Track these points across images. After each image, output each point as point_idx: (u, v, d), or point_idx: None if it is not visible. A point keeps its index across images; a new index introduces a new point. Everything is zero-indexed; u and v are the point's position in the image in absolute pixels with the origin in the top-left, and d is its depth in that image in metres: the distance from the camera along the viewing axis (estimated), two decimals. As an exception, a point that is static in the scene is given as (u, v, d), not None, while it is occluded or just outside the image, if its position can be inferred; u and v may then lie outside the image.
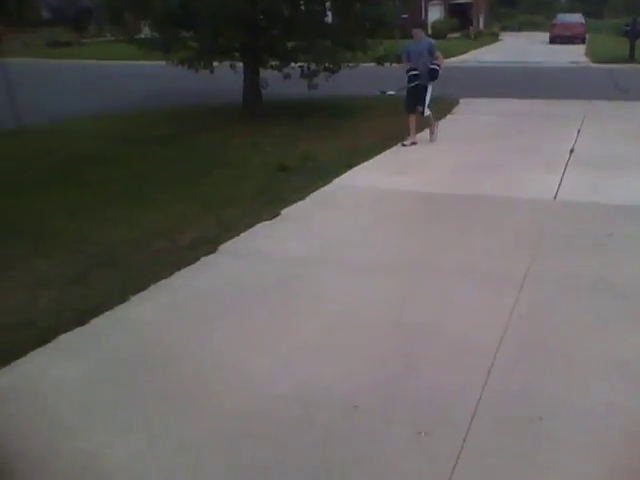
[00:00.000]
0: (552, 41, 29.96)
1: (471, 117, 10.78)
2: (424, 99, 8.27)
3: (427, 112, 8.41)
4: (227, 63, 11.01)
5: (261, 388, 2.98)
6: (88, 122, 10.89)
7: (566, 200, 5.87)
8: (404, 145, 8.33)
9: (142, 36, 11.41)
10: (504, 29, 41.41)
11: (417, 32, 8.56)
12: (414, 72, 8.29)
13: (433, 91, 8.47)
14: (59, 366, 3.26)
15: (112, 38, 17.31)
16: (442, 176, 6.87)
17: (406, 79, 8.47)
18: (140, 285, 4.13)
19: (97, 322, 3.68)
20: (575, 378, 3.02)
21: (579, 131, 8.86)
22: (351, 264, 4.51)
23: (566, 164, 7.08)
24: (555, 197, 5.98)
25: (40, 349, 3.37)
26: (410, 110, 8.43)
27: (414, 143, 8.37)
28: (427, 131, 8.74)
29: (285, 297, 4.00)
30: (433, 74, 8.27)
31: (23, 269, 4.47)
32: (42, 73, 19.99)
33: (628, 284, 4.03)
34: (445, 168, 7.23)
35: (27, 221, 5.56)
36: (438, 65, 8.31)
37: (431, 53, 8.29)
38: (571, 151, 7.67)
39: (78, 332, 3.56)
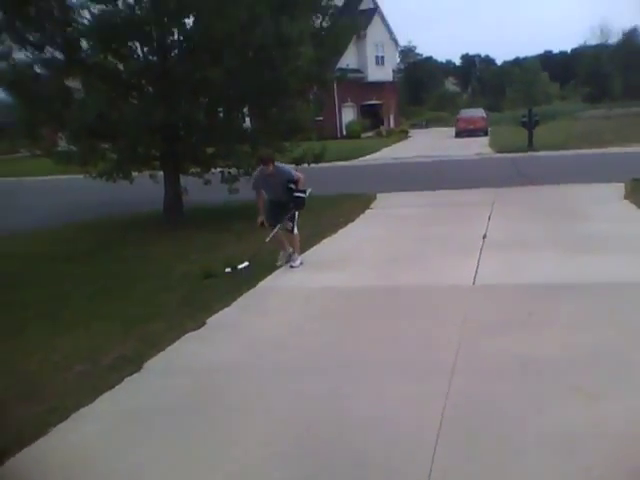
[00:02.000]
0: (458, 135, 31.81)
1: (388, 210, 11.24)
2: (294, 216, 7.29)
3: (295, 230, 7.33)
4: (147, 172, 11.07)
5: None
6: (3, 241, 10.54)
7: (485, 283, 6.12)
8: (278, 266, 7.35)
9: (59, 149, 11.32)
10: (413, 126, 43.92)
11: (266, 169, 7.19)
12: (273, 210, 7.32)
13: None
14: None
15: (26, 153, 16.94)
16: (364, 270, 7.03)
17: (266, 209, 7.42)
18: (60, 415, 3.88)
19: (12, 463, 3.38)
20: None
21: (490, 217, 9.37)
22: (282, 368, 4.43)
23: (481, 249, 7.43)
24: (474, 281, 6.21)
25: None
26: (274, 222, 7.30)
27: (291, 255, 7.45)
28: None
29: (216, 412, 3.84)
30: (299, 203, 7.25)
31: None
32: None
33: (555, 361, 4.15)
34: (367, 261, 7.41)
35: None
36: (303, 191, 7.22)
37: (293, 181, 7.17)
38: (484, 237, 8.06)
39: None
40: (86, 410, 3.99)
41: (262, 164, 7.26)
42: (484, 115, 33.97)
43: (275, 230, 7.24)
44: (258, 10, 9.31)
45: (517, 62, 69.93)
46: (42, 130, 11.50)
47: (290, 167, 7.77)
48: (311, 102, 12.79)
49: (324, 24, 11.86)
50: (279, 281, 6.85)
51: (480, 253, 7.25)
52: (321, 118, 24.28)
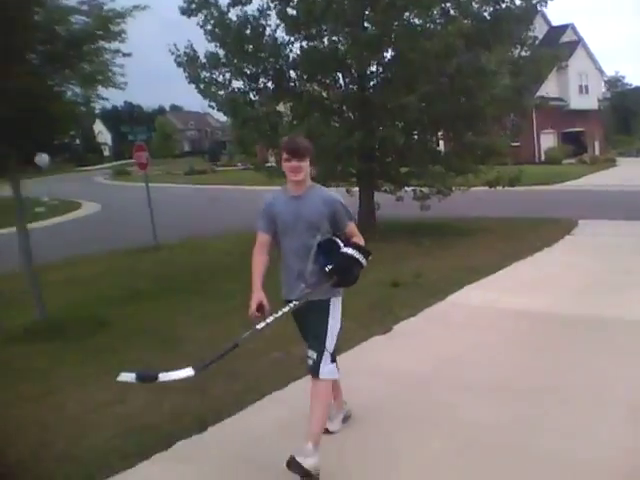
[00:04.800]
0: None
1: (590, 238, 10.49)
2: (324, 334, 3.33)
3: (330, 367, 3.33)
4: (343, 187, 11.76)
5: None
6: (212, 240, 11.87)
7: None
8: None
9: (269, 164, 12.51)
10: (621, 154, 40.61)
11: (297, 167, 3.29)
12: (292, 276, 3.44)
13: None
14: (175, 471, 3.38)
15: (241, 167, 18.98)
16: (559, 296, 6.63)
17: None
18: (256, 395, 4.27)
19: (213, 430, 3.81)
20: None
21: None
22: (466, 384, 4.38)
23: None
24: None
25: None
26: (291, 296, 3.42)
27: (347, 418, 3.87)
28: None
29: (398, 415, 3.92)
30: (348, 272, 3.36)
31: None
32: (174, 198, 22.10)
33: None
34: (563, 288, 6.99)
35: (160, 326, 6.03)
36: (362, 252, 3.36)
37: (337, 224, 3.40)
38: None
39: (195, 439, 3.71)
40: (279, 394, 4.33)
41: (293, 157, 3.29)
42: None
43: (284, 311, 3.23)
44: (452, 42, 9.45)
45: None
46: (255, 147, 12.99)
47: (339, 197, 3.48)
48: (507, 128, 12.59)
49: (523, 53, 11.69)
50: (468, 298, 6.76)
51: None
52: (518, 143, 23.54)
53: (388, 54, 11.03)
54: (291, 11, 10.85)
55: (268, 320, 3.15)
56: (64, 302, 7.39)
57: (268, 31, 11.07)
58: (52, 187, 29.17)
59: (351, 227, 3.45)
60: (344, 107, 11.62)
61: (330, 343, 3.31)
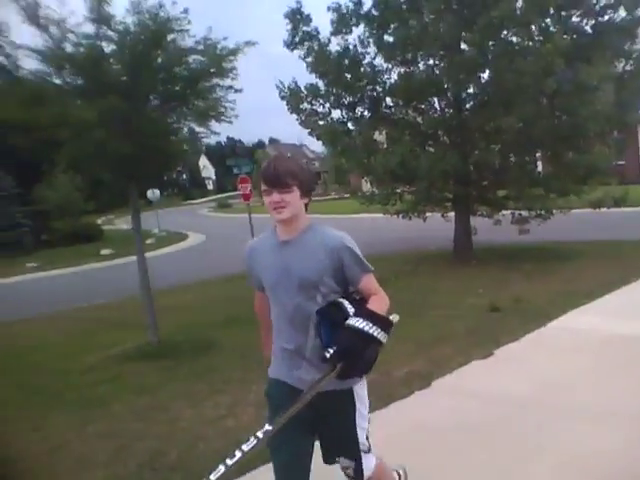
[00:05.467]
0: None
1: None
2: (355, 437, 2.42)
3: (370, 461, 2.50)
4: (438, 212, 11.77)
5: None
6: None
7: None
8: None
9: (361, 193, 12.78)
10: None
11: (278, 202, 2.30)
12: (285, 352, 2.44)
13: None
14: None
15: (335, 196, 19.40)
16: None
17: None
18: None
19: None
20: None
21: None
22: (576, 410, 4.24)
23: None
24: None
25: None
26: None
27: None
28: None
29: (498, 440, 3.88)
30: (350, 353, 2.21)
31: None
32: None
33: None
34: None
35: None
36: (372, 317, 2.28)
37: (346, 279, 2.39)
38: None
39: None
40: (379, 413, 4.41)
41: (266, 192, 2.34)
42: None
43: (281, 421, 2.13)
44: (551, 61, 9.28)
45: None
46: (348, 176, 13.36)
47: (347, 241, 2.40)
48: (611, 146, 12.09)
49: (627, 67, 11.21)
50: (572, 323, 6.52)
51: None
52: (623, 162, 22.43)
53: (485, 75, 11.00)
54: (388, 38, 11.15)
55: (245, 447, 2.11)
56: (174, 325, 7.90)
57: (366, 60, 11.42)
58: (161, 220, 31.00)
59: (367, 282, 2.40)
60: (439, 131, 11.69)
61: (364, 441, 2.46)
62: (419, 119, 11.67)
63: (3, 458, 4.12)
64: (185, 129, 6.91)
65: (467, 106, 11.51)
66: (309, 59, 11.34)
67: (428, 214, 11.87)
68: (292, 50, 11.45)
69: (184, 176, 59.91)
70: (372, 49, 11.34)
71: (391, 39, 11.04)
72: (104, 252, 20.80)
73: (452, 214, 11.78)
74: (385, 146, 11.78)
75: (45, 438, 4.54)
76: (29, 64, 6.09)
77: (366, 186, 13.32)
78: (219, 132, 7.41)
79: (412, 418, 4.33)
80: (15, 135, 6.55)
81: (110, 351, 6.90)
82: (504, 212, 11.53)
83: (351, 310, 2.29)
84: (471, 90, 11.19)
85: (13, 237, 22.06)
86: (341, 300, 2.33)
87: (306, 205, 2.41)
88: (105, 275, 16.90)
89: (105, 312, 10.11)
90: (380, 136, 12.35)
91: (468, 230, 11.58)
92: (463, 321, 6.79)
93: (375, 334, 2.25)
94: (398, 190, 11.73)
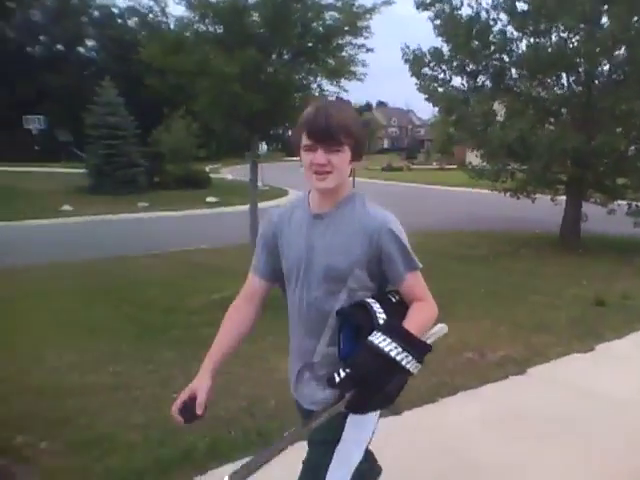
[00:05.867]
0: None
1: None
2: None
3: None
4: (548, 194, 11.31)
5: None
6: (412, 237, 12.13)
7: None
8: None
9: (471, 166, 12.46)
10: None
11: (323, 163, 1.75)
12: (294, 357, 2.02)
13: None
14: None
15: (436, 166, 19.09)
16: None
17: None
18: (449, 390, 4.42)
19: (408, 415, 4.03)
20: None
21: None
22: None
23: None
24: None
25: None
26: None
27: None
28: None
29: (598, 435, 3.82)
30: (365, 380, 1.62)
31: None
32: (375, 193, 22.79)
33: None
34: None
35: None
36: (404, 338, 1.66)
37: (383, 273, 1.85)
38: None
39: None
40: (471, 392, 4.44)
41: (309, 148, 1.76)
42: None
43: (282, 445, 1.58)
44: None
45: None
46: (453, 147, 13.04)
47: (394, 223, 1.89)
48: None
49: None
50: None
51: None
52: None
53: (621, 52, 10.31)
54: (521, 6, 10.67)
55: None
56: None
57: (496, 27, 11.01)
58: (265, 174, 31.66)
59: (412, 282, 1.85)
60: (562, 109, 11.12)
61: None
62: (543, 94, 11.14)
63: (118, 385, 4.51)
64: (314, 85, 6.90)
65: (597, 84, 10.84)
66: (437, 22, 11.06)
67: (537, 195, 11.45)
68: (422, 11, 11.20)
69: (290, 132, 60.47)
70: (504, 16, 10.91)
71: (525, 7, 10.52)
72: (209, 199, 21.59)
73: (562, 198, 11.29)
74: (502, 119, 11.37)
75: (155, 371, 4.91)
76: (176, 10, 6.38)
77: (471, 158, 12.97)
78: (348, 90, 7.29)
79: (506, 402, 4.32)
80: (152, 77, 6.83)
81: (212, 296, 7.26)
82: (620, 202, 10.90)
83: (380, 316, 1.70)
84: (605, 67, 10.52)
85: (130, 176, 23.28)
86: (370, 301, 1.75)
87: (352, 171, 1.88)
88: (209, 222, 17.63)
89: (209, 257, 10.61)
90: (498, 107, 11.91)
91: (578, 216, 11.08)
92: (565, 311, 6.60)
93: (403, 363, 1.64)
94: (510, 167, 11.36)
